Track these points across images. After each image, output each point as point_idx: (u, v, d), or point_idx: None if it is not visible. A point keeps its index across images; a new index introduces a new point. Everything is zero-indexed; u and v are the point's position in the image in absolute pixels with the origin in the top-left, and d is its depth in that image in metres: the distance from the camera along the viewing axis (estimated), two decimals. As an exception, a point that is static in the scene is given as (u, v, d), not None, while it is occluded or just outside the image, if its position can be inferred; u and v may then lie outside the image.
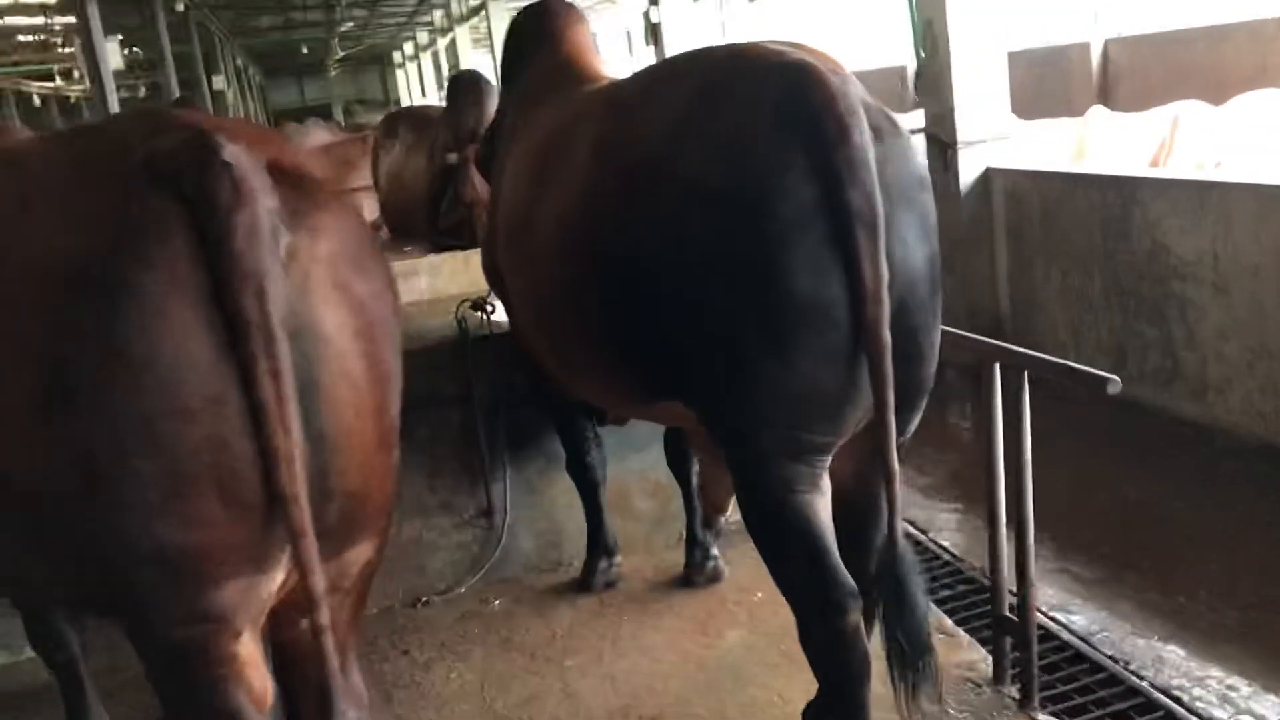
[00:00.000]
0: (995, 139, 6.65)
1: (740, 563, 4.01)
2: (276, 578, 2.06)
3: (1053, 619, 3.80)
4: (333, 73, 41.76)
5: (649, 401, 2.91)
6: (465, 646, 3.86)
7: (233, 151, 1.92)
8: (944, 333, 3.26)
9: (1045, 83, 11.27)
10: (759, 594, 3.93)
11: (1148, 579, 4.05)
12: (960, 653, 3.47)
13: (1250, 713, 3.22)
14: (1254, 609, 3.75)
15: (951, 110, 6.56)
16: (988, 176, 6.65)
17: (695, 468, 3.95)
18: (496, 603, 4.12)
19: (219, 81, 24.58)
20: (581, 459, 3.97)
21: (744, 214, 2.36)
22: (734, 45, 2.74)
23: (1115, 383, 2.69)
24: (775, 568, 2.62)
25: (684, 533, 4.14)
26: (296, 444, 1.88)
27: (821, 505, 2.54)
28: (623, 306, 2.64)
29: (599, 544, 4.10)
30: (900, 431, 2.62)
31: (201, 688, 2.05)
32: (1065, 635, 3.69)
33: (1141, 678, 3.42)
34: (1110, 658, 3.53)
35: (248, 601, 2.02)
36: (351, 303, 2.02)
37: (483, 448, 4.18)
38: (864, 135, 2.32)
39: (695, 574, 4.07)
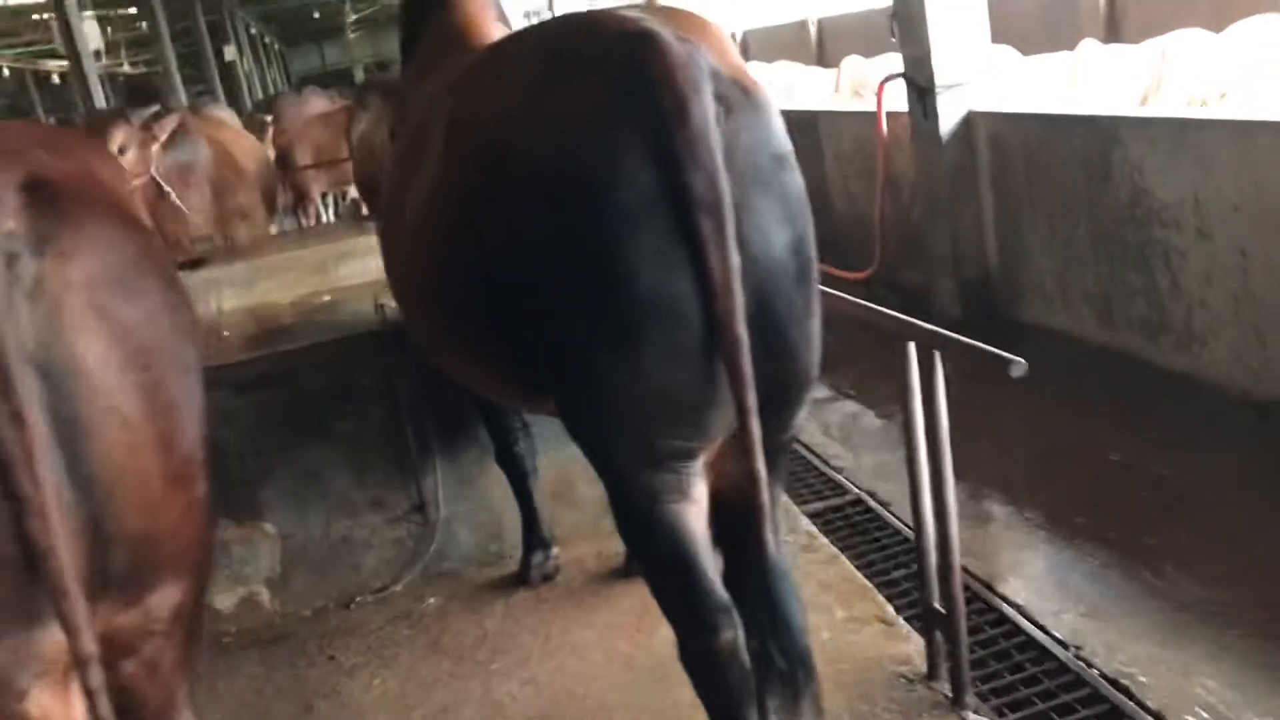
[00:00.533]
0: (977, 81, 6.33)
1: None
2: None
3: (1007, 600, 3.60)
4: (351, 35, 41.48)
5: (535, 398, 2.71)
6: (392, 650, 3.70)
7: None
8: (864, 307, 3.08)
9: (1052, 13, 10.84)
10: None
11: (1114, 551, 3.83)
12: (897, 644, 3.26)
13: (1208, 708, 3.00)
14: (1221, 584, 3.52)
15: (928, 53, 6.24)
16: (970, 120, 6.33)
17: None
18: (431, 601, 3.96)
19: (230, 52, 24.47)
20: (508, 449, 3.79)
21: (579, 203, 2.14)
22: (588, 13, 2.50)
23: (1019, 365, 2.47)
24: (648, 580, 2.43)
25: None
26: (50, 492, 1.71)
27: (693, 515, 2.33)
28: (478, 306, 2.44)
29: (534, 537, 3.92)
30: (781, 429, 2.42)
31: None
32: (1018, 619, 3.48)
33: (1092, 665, 3.21)
34: (1061, 643, 3.32)
35: (25, 660, 1.86)
36: (117, 330, 1.83)
37: (410, 441, 4.01)
38: (705, 112, 2.09)
39: (635, 564, 3.89)
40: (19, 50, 24.79)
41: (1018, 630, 3.42)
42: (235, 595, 4.00)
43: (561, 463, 4.07)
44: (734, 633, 2.32)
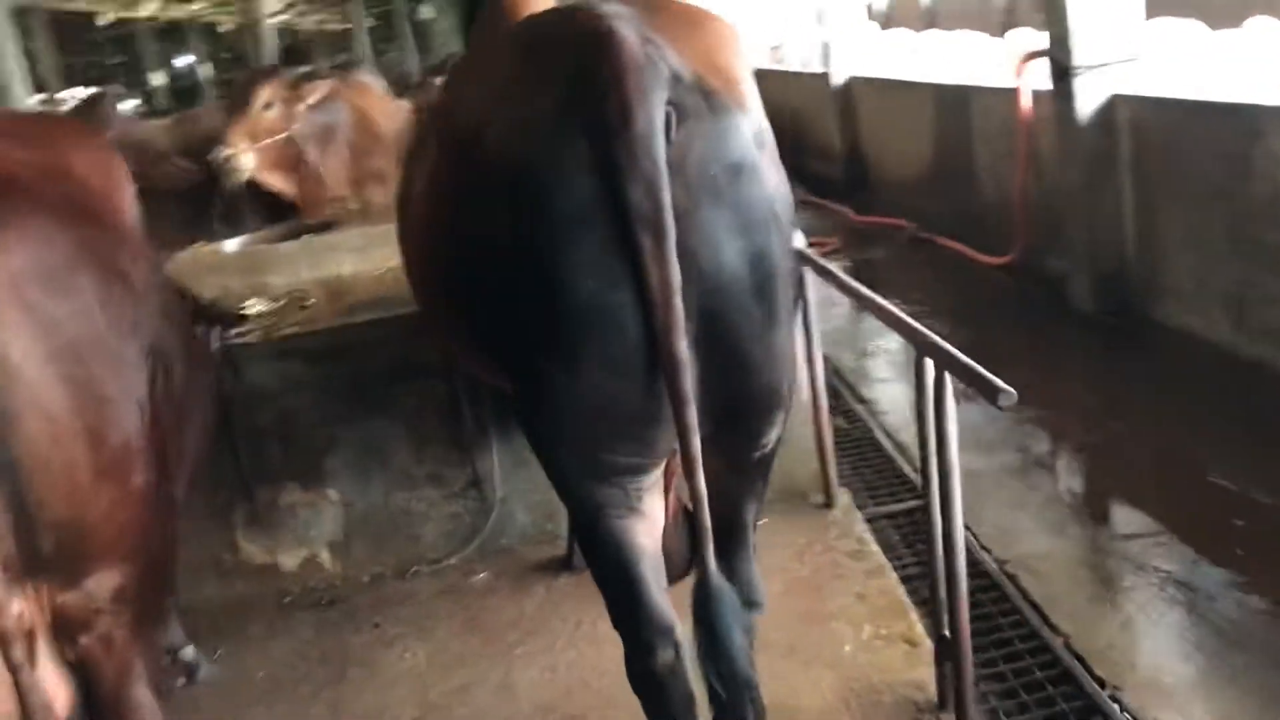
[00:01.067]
0: (1124, 61, 5.90)
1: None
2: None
3: (1055, 629, 3.39)
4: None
5: None
6: (431, 624, 3.79)
7: None
8: (883, 311, 2.94)
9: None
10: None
11: (1189, 584, 3.55)
12: (918, 669, 3.13)
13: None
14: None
15: (1069, 31, 5.87)
16: (1112, 104, 5.92)
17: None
18: (480, 577, 4.03)
19: (426, 10, 25.04)
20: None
21: (525, 207, 2.10)
22: (574, 5, 2.43)
23: (1008, 395, 2.30)
24: (601, 592, 2.39)
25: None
26: None
27: (640, 530, 2.28)
28: (452, 301, 2.45)
29: (579, 521, 3.93)
30: (751, 447, 2.35)
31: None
32: (1059, 650, 3.28)
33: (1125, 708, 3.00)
34: (1099, 681, 3.11)
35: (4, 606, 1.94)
36: (43, 325, 1.90)
37: (466, 419, 4.06)
38: (650, 120, 2.01)
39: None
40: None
41: (1056, 662, 3.22)
42: (299, 556, 4.16)
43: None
44: (671, 654, 2.27)
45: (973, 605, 3.54)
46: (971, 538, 3.86)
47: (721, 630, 2.16)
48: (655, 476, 2.30)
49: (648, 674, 2.29)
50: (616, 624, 2.35)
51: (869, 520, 4.22)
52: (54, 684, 2.21)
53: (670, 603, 2.34)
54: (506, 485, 4.18)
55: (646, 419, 2.14)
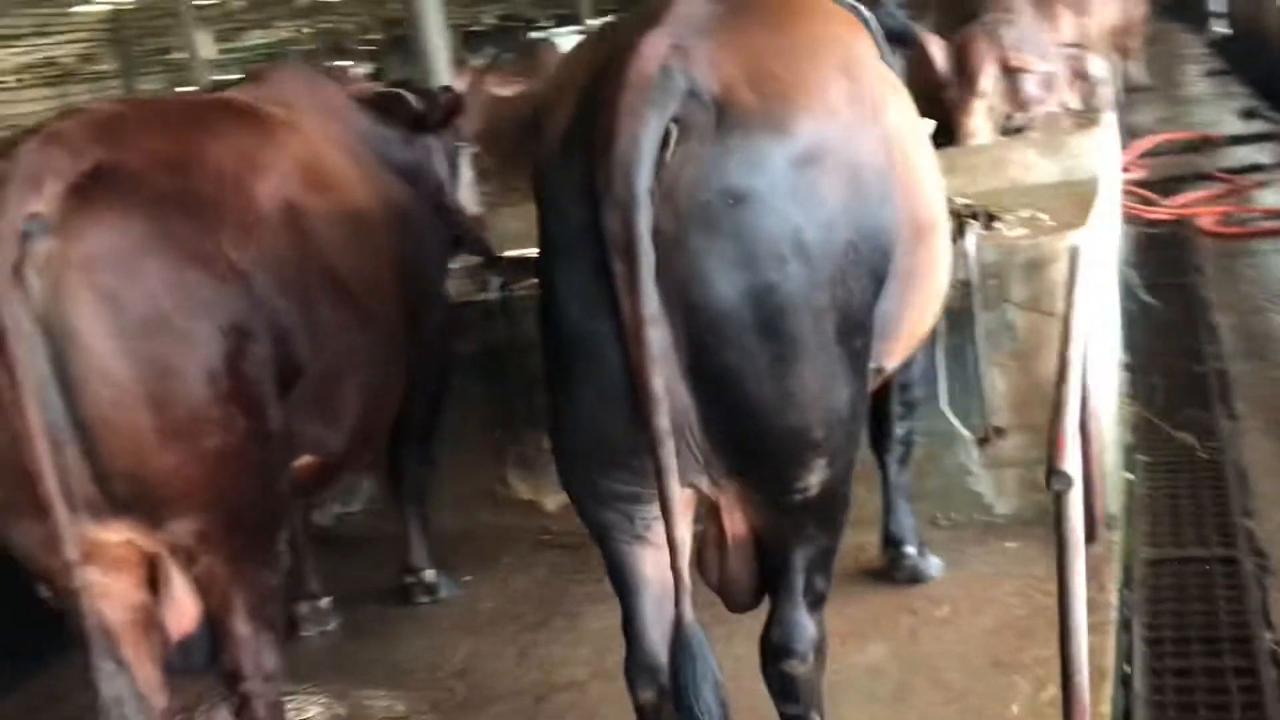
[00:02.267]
0: None
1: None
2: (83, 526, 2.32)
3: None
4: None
5: None
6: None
7: (22, 157, 2.19)
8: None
9: None
10: (944, 607, 3.42)
11: None
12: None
13: None
14: None
15: None
16: None
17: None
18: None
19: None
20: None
21: (539, 228, 2.09)
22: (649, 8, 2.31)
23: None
24: None
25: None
26: (36, 429, 2.14)
27: (649, 560, 2.20)
28: None
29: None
30: (781, 490, 2.17)
31: (69, 611, 2.42)
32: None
33: None
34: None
35: (65, 538, 2.29)
36: (110, 304, 2.19)
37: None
38: (633, 140, 1.89)
39: (894, 570, 3.62)
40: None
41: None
42: (559, 499, 4.38)
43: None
44: (651, 695, 2.19)
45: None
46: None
47: (685, 681, 2.05)
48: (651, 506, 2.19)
49: (636, 705, 2.22)
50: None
51: (1151, 564, 3.69)
52: (184, 601, 2.59)
53: (660, 644, 2.22)
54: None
55: (636, 449, 2.05)
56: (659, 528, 2.20)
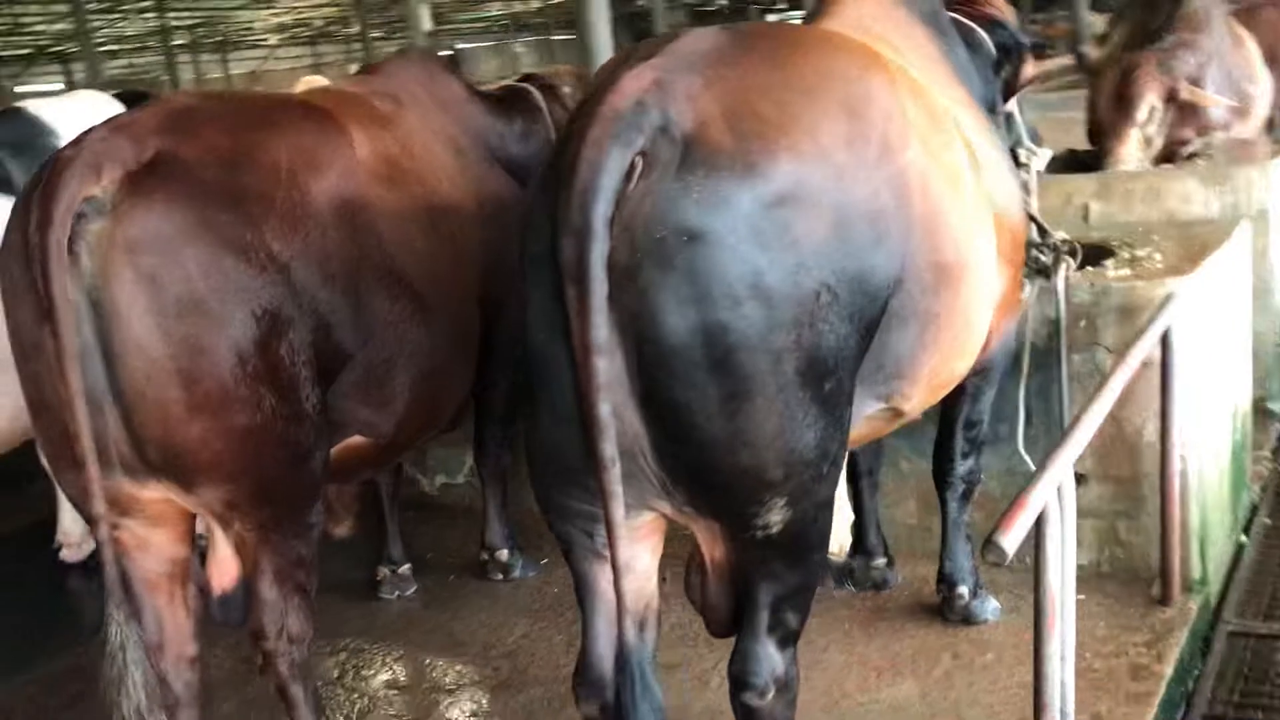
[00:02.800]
0: None
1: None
2: (122, 483, 2.56)
3: None
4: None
5: None
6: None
7: (88, 144, 2.42)
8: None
9: None
10: (988, 654, 3.34)
11: None
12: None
13: None
14: None
15: None
16: None
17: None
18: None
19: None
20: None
21: (518, 255, 2.20)
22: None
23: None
24: None
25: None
26: (76, 392, 2.37)
27: (603, 576, 2.23)
28: None
29: (860, 542, 3.77)
30: (741, 527, 2.17)
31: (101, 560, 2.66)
32: None
33: None
34: None
35: (93, 493, 2.48)
36: (149, 283, 2.39)
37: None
38: (595, 170, 1.94)
39: (946, 610, 3.54)
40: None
41: None
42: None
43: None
44: (595, 709, 2.24)
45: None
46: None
47: (625, 701, 2.10)
48: (633, 530, 2.23)
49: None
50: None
51: (1232, 636, 3.47)
52: (226, 560, 2.82)
53: (610, 662, 2.26)
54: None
55: (590, 470, 2.10)
56: (624, 548, 2.25)
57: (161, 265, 2.41)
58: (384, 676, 3.73)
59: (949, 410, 3.34)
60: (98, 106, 4.74)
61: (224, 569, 2.84)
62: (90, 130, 2.51)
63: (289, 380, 2.63)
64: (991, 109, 3.50)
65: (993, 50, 3.61)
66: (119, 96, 5.17)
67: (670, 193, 1.95)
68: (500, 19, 36.77)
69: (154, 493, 2.60)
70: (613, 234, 1.95)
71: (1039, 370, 3.54)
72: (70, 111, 4.47)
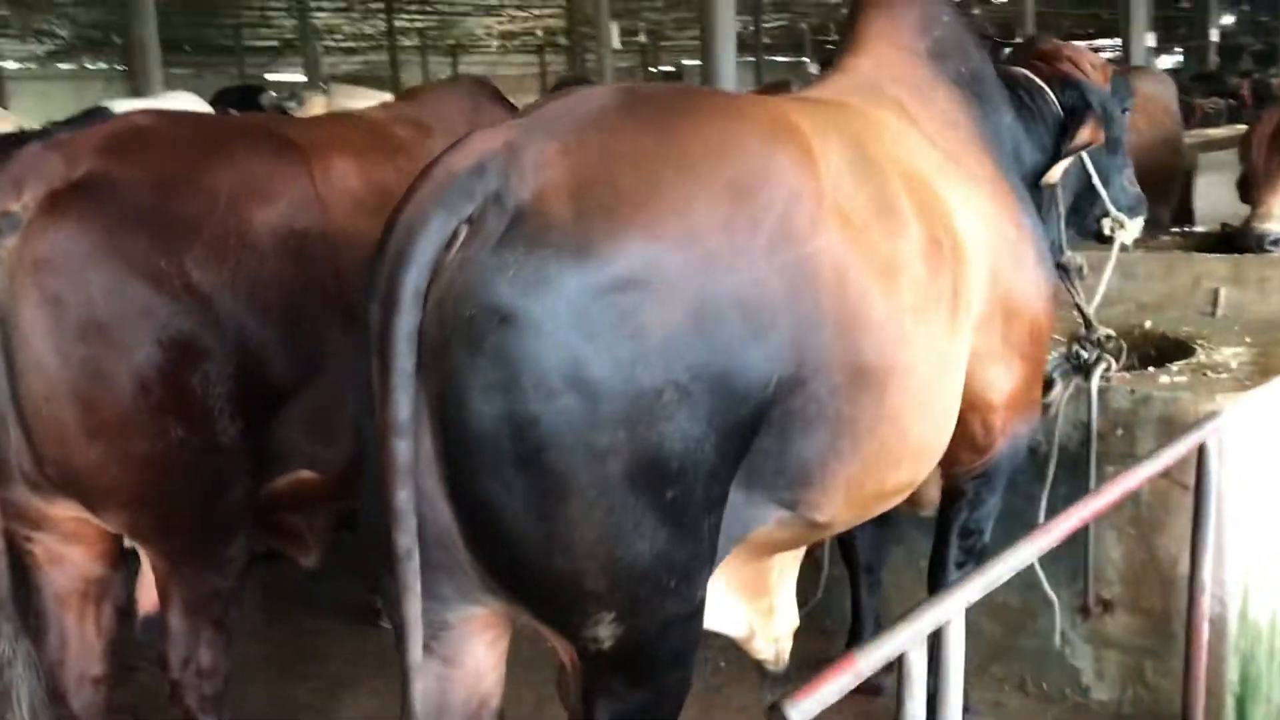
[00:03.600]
0: None
1: None
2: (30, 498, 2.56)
3: None
4: None
5: None
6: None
7: (16, 159, 2.44)
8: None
9: None
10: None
11: None
12: None
13: None
14: None
15: None
16: None
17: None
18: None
19: None
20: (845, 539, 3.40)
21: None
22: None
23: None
24: None
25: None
26: None
27: (429, 667, 2.05)
28: None
29: (855, 634, 3.46)
30: (570, 636, 1.98)
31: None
32: None
33: None
34: None
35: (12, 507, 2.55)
36: (52, 304, 2.38)
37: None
38: (407, 239, 1.79)
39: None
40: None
41: None
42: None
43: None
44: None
45: None
46: None
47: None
48: (462, 623, 2.06)
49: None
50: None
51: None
52: (150, 582, 2.80)
53: None
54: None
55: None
56: (448, 639, 2.09)
57: (66, 286, 2.40)
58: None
59: (943, 515, 3.03)
60: (187, 109, 4.91)
61: (149, 591, 2.82)
62: (28, 145, 2.53)
63: (201, 411, 2.57)
64: (1036, 180, 3.16)
65: (1059, 113, 3.26)
66: (230, 94, 5.31)
67: (484, 267, 1.78)
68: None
69: (63, 510, 2.60)
70: (427, 306, 1.80)
71: (1067, 480, 3.16)
72: (160, 114, 4.62)
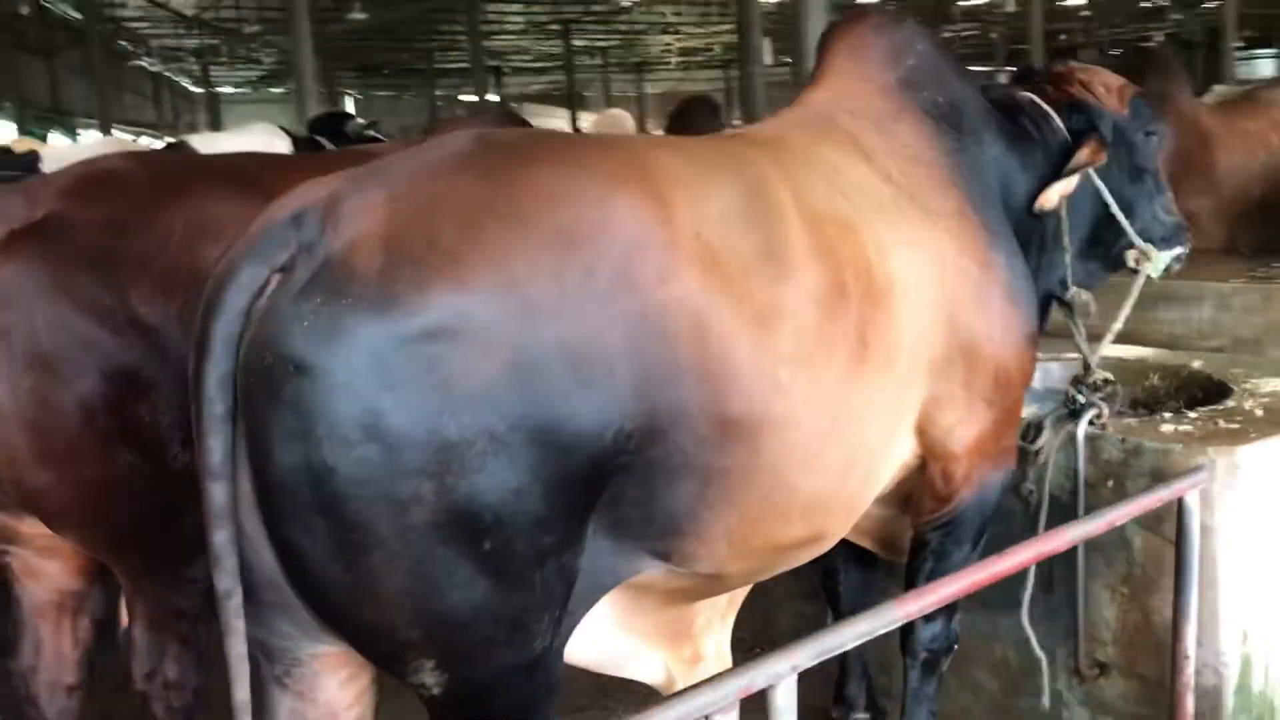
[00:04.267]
0: None
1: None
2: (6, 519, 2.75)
3: None
4: None
5: None
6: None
7: None
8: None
9: None
10: None
11: None
12: None
13: None
14: None
15: None
16: None
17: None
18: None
19: None
20: (828, 576, 3.29)
21: None
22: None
23: None
24: None
25: None
26: None
27: (282, 702, 2.09)
28: None
29: (843, 691, 3.34)
30: (410, 684, 1.97)
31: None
32: None
33: None
34: None
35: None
36: (2, 338, 2.54)
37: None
38: (222, 286, 1.84)
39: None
40: None
41: None
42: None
43: (963, 630, 3.28)
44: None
45: None
46: None
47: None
48: (311, 659, 2.08)
49: None
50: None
51: None
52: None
53: None
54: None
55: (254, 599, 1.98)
56: (301, 675, 2.12)
57: (14, 321, 2.56)
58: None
59: (909, 566, 2.89)
60: (267, 142, 5.17)
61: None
62: (-2, 190, 2.72)
63: (151, 438, 2.69)
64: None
65: (1067, 139, 3.06)
66: (321, 122, 5.55)
67: (283, 316, 1.80)
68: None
69: (33, 527, 2.77)
70: (239, 353, 1.84)
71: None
72: (234, 147, 4.89)
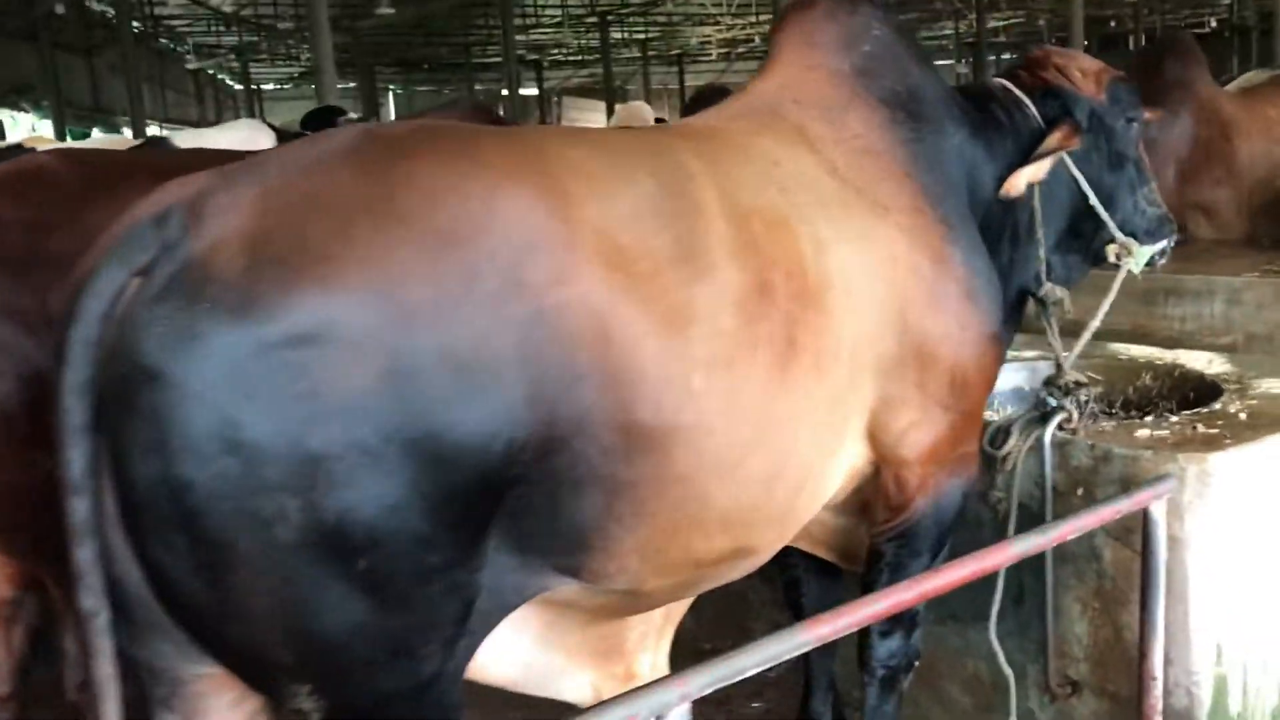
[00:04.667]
0: None
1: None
2: None
3: None
4: None
5: None
6: None
7: None
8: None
9: None
10: None
11: None
12: None
13: None
14: None
15: None
16: None
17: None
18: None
19: None
20: (790, 586, 3.14)
21: None
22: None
23: None
24: None
25: None
26: None
27: None
28: None
29: (808, 704, 3.19)
30: (285, 706, 1.88)
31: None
32: None
33: None
34: None
35: None
36: None
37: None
38: (79, 290, 1.75)
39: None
40: None
41: None
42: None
43: (934, 644, 3.14)
44: None
45: None
46: None
47: None
48: (195, 680, 1.98)
49: None
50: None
51: None
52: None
53: None
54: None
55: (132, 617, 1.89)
56: (185, 696, 2.02)
57: None
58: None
59: (864, 578, 2.74)
60: (250, 138, 5.10)
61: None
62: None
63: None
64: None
65: (1040, 126, 2.89)
66: (315, 116, 5.49)
67: (138, 322, 1.70)
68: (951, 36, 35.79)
69: None
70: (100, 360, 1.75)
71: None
72: (218, 143, 4.83)
